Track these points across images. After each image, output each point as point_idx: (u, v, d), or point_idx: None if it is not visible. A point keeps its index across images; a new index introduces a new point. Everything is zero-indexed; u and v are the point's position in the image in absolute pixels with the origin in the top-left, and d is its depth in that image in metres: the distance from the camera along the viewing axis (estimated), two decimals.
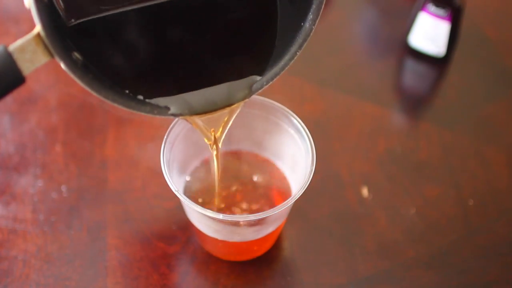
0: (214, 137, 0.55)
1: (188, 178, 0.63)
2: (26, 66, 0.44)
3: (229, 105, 0.53)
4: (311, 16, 0.51)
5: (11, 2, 0.84)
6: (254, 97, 0.60)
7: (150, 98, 0.51)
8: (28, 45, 0.44)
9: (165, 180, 0.55)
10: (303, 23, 0.52)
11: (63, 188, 0.67)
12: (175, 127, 0.59)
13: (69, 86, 0.75)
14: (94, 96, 0.47)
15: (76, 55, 0.47)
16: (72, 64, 0.45)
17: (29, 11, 0.44)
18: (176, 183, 0.57)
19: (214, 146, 0.56)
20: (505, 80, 0.80)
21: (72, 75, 0.46)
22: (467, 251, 0.64)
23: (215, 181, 0.59)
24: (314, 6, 0.51)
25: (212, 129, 0.54)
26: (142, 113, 0.50)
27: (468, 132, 0.74)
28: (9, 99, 0.74)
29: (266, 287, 0.61)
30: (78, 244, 0.63)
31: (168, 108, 0.51)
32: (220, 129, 0.55)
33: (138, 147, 0.71)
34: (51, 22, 0.44)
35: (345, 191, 0.68)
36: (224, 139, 0.56)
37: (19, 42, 0.44)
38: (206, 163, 0.65)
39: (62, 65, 0.45)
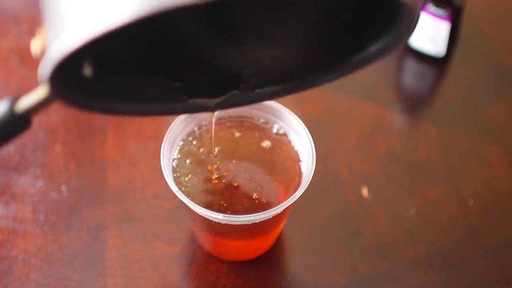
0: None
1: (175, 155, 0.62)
2: (35, 115, 0.43)
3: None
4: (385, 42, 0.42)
5: (11, 2, 0.84)
6: None
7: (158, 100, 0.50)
8: (38, 104, 0.42)
9: (165, 180, 0.55)
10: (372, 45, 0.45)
11: (63, 188, 0.67)
12: (175, 127, 0.59)
13: None
14: None
15: (87, 70, 0.45)
16: (83, 105, 0.44)
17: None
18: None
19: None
20: (505, 80, 0.80)
21: (86, 111, 0.45)
22: (467, 251, 0.64)
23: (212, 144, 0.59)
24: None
25: None
26: (152, 116, 0.50)
27: (468, 132, 0.74)
28: None
29: (266, 287, 0.61)
30: (78, 244, 0.63)
31: (175, 107, 0.51)
32: None
33: (138, 147, 0.71)
34: (62, 78, 0.41)
35: (345, 191, 0.68)
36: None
37: (28, 102, 0.42)
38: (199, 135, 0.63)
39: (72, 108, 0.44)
